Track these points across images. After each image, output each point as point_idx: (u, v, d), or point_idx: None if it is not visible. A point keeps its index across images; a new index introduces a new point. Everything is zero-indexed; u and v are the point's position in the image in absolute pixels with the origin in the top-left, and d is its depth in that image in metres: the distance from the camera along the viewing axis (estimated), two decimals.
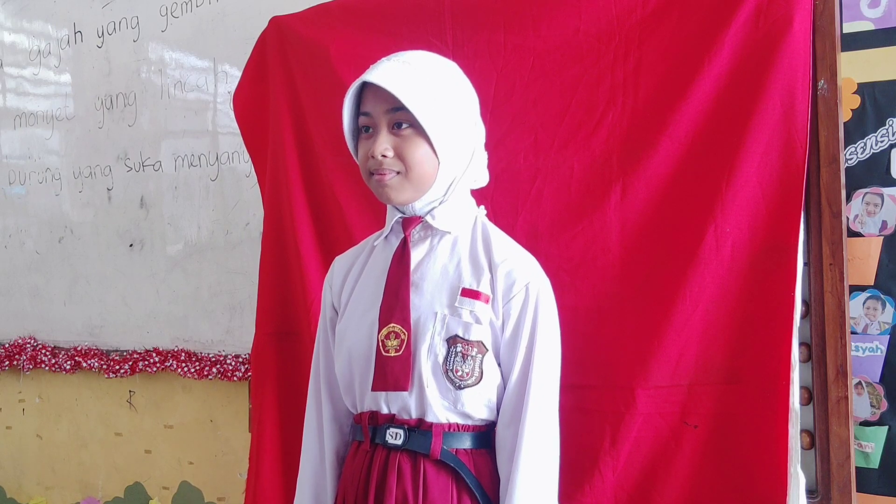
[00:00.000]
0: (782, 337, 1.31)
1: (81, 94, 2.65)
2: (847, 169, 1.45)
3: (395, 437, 1.21)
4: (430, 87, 1.18)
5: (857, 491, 1.38)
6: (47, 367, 2.67)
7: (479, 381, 1.19)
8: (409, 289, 1.22)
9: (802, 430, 1.36)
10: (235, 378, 2.29)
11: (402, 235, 1.26)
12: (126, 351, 2.52)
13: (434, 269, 1.24)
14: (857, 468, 1.41)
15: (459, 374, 1.18)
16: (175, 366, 2.39)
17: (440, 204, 1.24)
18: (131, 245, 2.54)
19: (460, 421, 1.21)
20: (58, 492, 2.76)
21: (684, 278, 1.36)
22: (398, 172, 1.19)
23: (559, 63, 1.49)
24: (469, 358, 1.18)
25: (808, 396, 1.37)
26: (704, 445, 1.37)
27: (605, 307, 1.43)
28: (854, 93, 1.51)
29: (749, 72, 1.34)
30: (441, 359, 1.19)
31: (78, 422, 2.70)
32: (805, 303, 1.37)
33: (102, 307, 2.61)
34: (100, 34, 2.59)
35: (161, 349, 2.45)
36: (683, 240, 1.37)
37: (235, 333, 2.32)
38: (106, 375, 2.52)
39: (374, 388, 1.21)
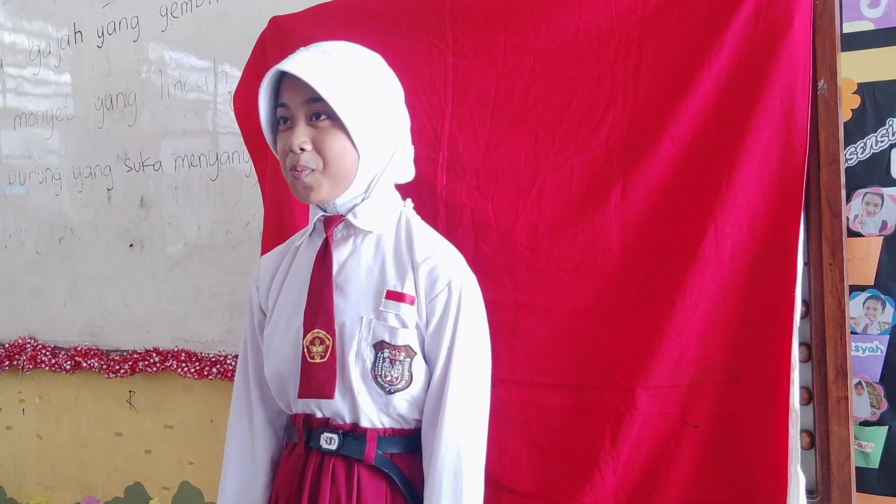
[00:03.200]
0: (782, 337, 1.30)
1: (81, 94, 2.64)
2: (847, 169, 1.45)
3: (329, 442, 1.19)
4: (349, 77, 1.14)
5: (857, 491, 1.37)
6: (47, 367, 2.67)
7: (409, 385, 1.17)
8: (332, 292, 1.19)
9: (802, 430, 1.36)
10: None
11: (325, 235, 1.22)
12: (126, 351, 2.51)
13: (359, 270, 1.21)
14: (857, 468, 1.41)
15: (388, 379, 1.16)
16: (175, 366, 2.39)
17: (363, 201, 1.21)
18: (131, 245, 2.54)
19: (395, 425, 1.20)
20: (58, 492, 2.76)
21: (684, 278, 1.36)
22: (313, 170, 1.15)
23: (559, 63, 1.49)
24: (397, 363, 1.16)
25: (808, 396, 1.37)
26: (704, 445, 1.36)
27: (605, 307, 1.42)
28: (854, 93, 1.51)
29: (749, 72, 1.34)
30: (369, 364, 1.16)
31: (78, 422, 2.70)
32: (805, 303, 1.37)
33: (102, 307, 2.60)
34: (100, 34, 2.59)
35: (161, 349, 2.44)
36: (683, 240, 1.37)
37: (235, 333, 2.31)
38: (106, 375, 2.52)
39: (299, 396, 1.19)
